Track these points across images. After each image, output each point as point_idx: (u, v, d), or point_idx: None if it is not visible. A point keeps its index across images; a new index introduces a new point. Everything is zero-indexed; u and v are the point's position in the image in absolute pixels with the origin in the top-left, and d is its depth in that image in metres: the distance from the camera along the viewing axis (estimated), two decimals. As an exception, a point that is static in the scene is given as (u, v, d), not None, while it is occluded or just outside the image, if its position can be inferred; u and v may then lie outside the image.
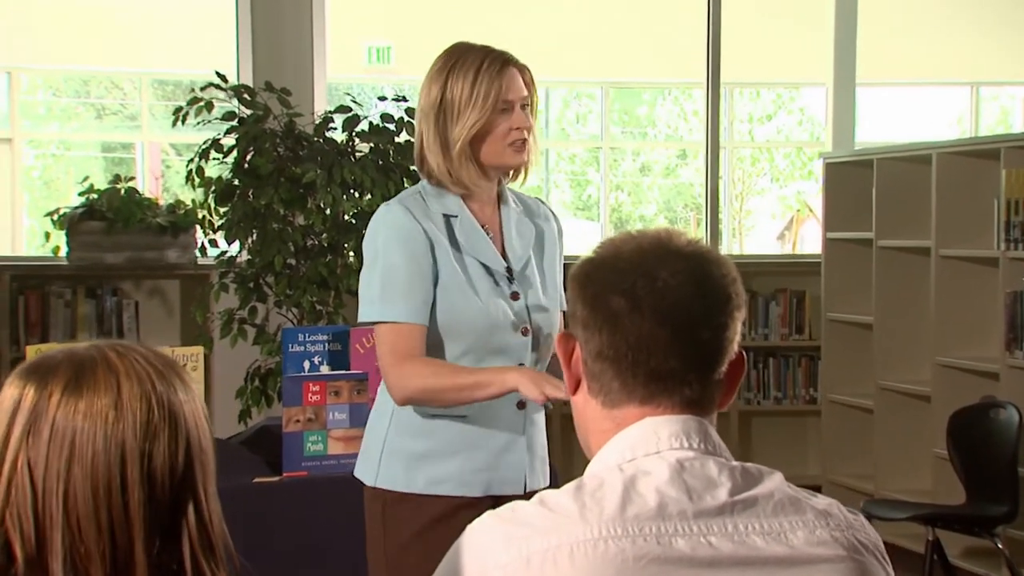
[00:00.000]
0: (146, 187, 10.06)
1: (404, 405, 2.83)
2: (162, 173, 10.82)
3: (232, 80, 6.74)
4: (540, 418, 2.97)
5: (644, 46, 11.36)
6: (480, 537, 1.61)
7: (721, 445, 1.67)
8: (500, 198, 2.96)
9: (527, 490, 2.87)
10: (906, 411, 6.29)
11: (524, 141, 2.85)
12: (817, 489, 6.75)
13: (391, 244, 2.82)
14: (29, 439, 1.48)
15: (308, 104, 6.81)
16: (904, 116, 11.78)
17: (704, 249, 1.69)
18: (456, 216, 2.87)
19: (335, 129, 5.89)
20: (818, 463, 7.13)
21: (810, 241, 10.98)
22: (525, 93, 2.86)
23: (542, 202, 3.11)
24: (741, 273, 6.33)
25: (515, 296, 2.88)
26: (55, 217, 6.63)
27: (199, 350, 4.08)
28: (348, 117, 5.81)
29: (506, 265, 2.89)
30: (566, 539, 1.54)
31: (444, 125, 2.83)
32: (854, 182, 6.62)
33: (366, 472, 2.92)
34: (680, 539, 1.55)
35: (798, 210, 12.20)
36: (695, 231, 9.32)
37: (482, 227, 2.89)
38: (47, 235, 6.73)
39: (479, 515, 2.71)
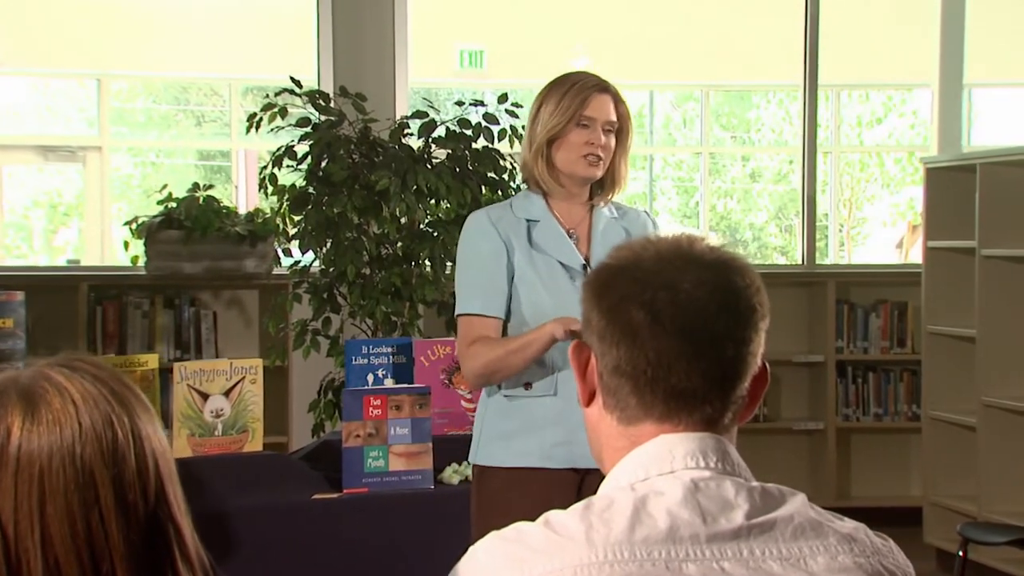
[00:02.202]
0: (233, 195, 10.18)
1: (478, 385, 3.36)
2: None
3: (315, 85, 6.79)
4: None
5: (747, 48, 11.26)
6: (482, 559, 1.57)
7: (740, 464, 1.62)
8: (594, 206, 3.43)
9: None
10: (1011, 429, 6.13)
11: (599, 159, 3.31)
12: (915, 511, 6.66)
13: (467, 248, 3.36)
14: None
15: (390, 109, 6.82)
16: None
17: (727, 256, 1.64)
18: (538, 221, 3.36)
19: (411, 135, 5.89)
20: (920, 483, 6.99)
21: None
22: (611, 118, 3.33)
23: (646, 212, 3.54)
24: (840, 284, 6.31)
25: None
26: (133, 226, 6.70)
27: (258, 362, 4.10)
28: (424, 122, 5.81)
29: (583, 263, 3.32)
30: (569, 562, 1.49)
31: (534, 129, 3.36)
32: (957, 188, 6.48)
33: (472, 451, 3.41)
34: (691, 564, 1.50)
35: (912, 218, 12.01)
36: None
37: (568, 230, 3.37)
38: (126, 244, 6.81)
39: (563, 486, 3.22)
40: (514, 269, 3.32)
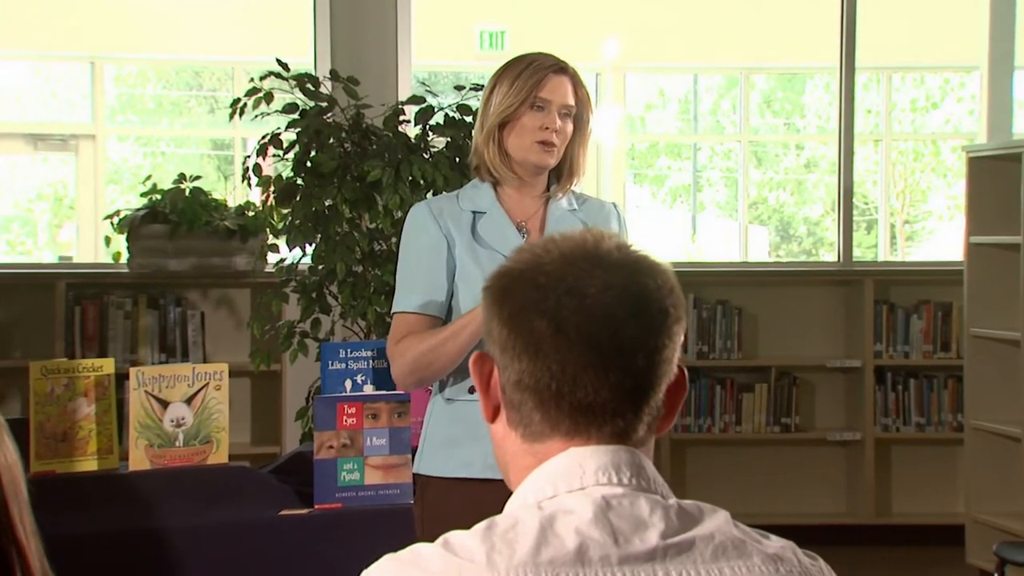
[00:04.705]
0: (238, 186, 10.21)
1: (409, 384, 3.36)
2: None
3: (313, 69, 6.80)
4: None
5: (794, 27, 11.21)
6: None
7: (657, 480, 1.61)
8: (550, 197, 3.41)
9: None
10: (1060, 441, 6.08)
11: (552, 145, 3.29)
12: (959, 529, 6.61)
13: (406, 242, 3.38)
14: None
15: (392, 94, 6.80)
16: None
17: (636, 256, 1.62)
18: (484, 212, 3.35)
19: (408, 122, 5.88)
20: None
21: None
22: (569, 101, 3.31)
23: (613, 204, 3.54)
24: (878, 283, 6.22)
25: None
26: (115, 220, 6.72)
27: (223, 367, 4.10)
28: (421, 109, 5.80)
29: None
30: None
31: (486, 111, 3.35)
32: (1003, 178, 6.43)
33: (416, 460, 3.41)
34: (601, 587, 1.49)
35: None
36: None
37: (518, 223, 3.36)
38: (107, 240, 6.83)
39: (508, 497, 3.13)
40: (455, 264, 3.31)
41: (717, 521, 1.57)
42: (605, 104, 11.52)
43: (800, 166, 13.05)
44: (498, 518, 1.58)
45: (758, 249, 12.56)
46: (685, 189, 13.12)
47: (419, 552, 1.56)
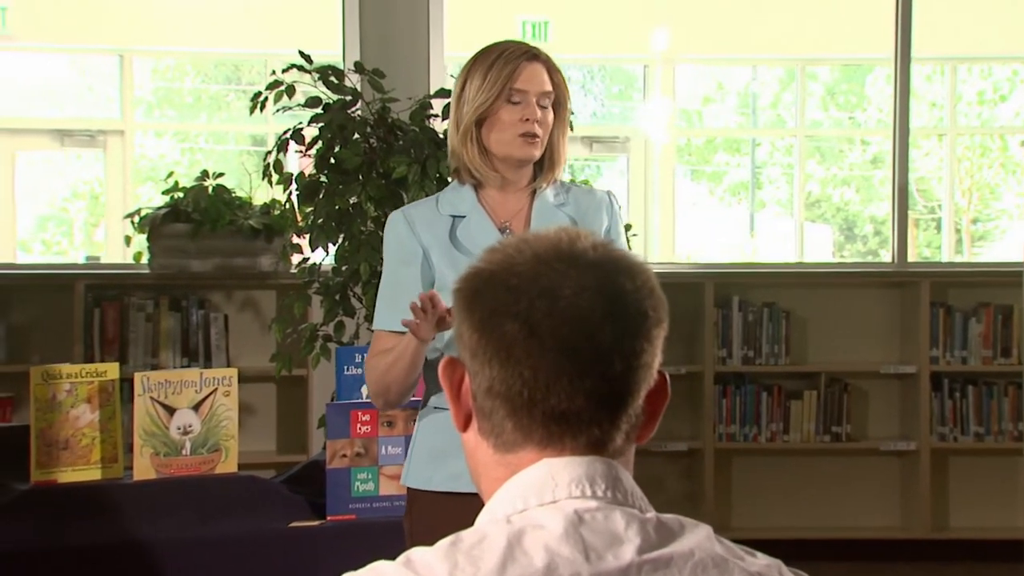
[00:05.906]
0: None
1: (381, 406, 3.37)
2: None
3: (341, 61, 6.81)
4: None
5: (853, 17, 11.15)
6: None
7: (635, 492, 1.59)
8: (536, 190, 3.38)
9: None
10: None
11: (535, 136, 3.25)
12: (1019, 544, 6.54)
13: (385, 255, 3.37)
14: None
15: (423, 87, 6.80)
16: None
17: (614, 255, 1.60)
18: (464, 216, 3.31)
19: (436, 116, 5.88)
20: (1026, 513, 6.89)
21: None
22: (546, 88, 3.26)
23: (607, 193, 3.48)
24: (935, 284, 6.15)
25: None
26: (136, 219, 6.74)
27: (232, 372, 4.11)
28: (449, 102, 5.79)
29: None
30: None
31: (460, 109, 3.29)
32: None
33: (404, 471, 3.39)
34: (570, 607, 1.48)
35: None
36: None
37: (501, 223, 3.33)
38: (128, 239, 6.85)
39: None
40: (434, 274, 3.27)
41: (698, 537, 1.55)
42: (653, 97, 11.49)
43: (866, 162, 12.97)
44: (464, 533, 1.56)
45: (820, 249, 12.49)
46: (744, 186, 13.07)
47: (380, 570, 1.54)
